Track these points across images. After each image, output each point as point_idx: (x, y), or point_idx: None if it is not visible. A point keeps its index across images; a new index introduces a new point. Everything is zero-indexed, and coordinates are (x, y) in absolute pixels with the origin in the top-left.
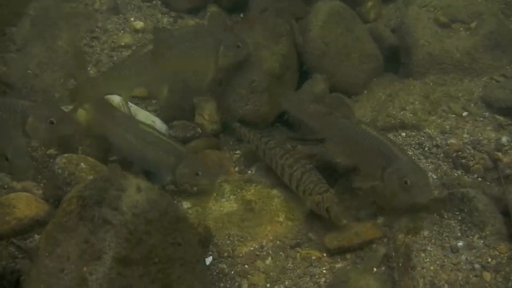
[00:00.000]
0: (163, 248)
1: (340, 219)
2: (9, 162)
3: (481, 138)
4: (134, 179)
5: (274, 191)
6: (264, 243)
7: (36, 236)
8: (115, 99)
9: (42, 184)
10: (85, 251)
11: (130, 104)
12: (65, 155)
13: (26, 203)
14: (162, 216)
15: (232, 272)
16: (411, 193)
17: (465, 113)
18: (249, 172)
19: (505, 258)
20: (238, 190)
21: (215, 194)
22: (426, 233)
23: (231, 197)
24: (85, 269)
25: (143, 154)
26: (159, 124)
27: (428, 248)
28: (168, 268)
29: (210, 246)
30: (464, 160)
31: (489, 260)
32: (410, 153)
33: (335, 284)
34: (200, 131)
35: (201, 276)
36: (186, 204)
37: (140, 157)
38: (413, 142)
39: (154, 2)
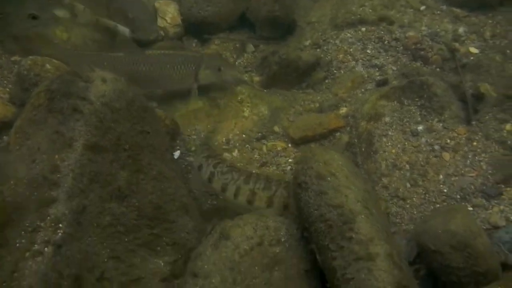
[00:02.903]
0: (132, 135)
1: None
2: None
3: (438, 30)
4: (99, 71)
5: (238, 88)
6: (230, 137)
7: (5, 138)
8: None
9: (8, 89)
10: (56, 141)
11: None
12: (31, 57)
13: None
14: (129, 105)
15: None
16: None
17: (423, 7)
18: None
19: (463, 139)
20: (203, 88)
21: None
22: (387, 119)
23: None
24: (56, 156)
25: (164, 76)
26: (121, 27)
27: (390, 133)
28: (137, 155)
29: (178, 140)
30: (422, 52)
31: (448, 141)
32: (370, 47)
33: (302, 160)
34: (163, 34)
35: (171, 163)
36: (153, 104)
37: (163, 80)
38: (373, 36)
39: None
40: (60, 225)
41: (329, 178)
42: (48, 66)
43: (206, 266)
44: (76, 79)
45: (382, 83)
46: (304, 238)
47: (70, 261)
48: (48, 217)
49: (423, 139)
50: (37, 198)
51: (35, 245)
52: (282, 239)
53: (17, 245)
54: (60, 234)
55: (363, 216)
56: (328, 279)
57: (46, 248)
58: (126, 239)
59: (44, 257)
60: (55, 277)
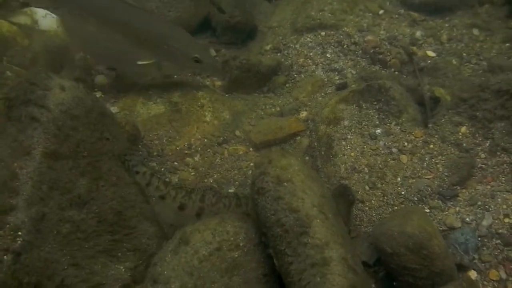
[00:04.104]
0: (91, 142)
1: None
2: None
3: (396, 34)
4: (58, 79)
5: (200, 93)
6: (192, 141)
7: None
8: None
9: None
10: (15, 149)
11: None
12: None
13: None
14: (88, 113)
15: (162, 169)
16: None
17: (381, 11)
18: (175, 76)
19: (420, 141)
20: (165, 93)
21: (141, 99)
22: (346, 123)
23: (158, 100)
24: (15, 164)
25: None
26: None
27: (349, 136)
28: (97, 162)
29: (140, 146)
30: (381, 56)
31: (406, 144)
32: (330, 51)
33: (259, 165)
34: None
35: None
36: (114, 109)
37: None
38: (332, 40)
39: None
40: (20, 232)
41: (285, 184)
42: (8, 73)
43: (165, 272)
44: (34, 87)
45: (342, 86)
46: (262, 243)
47: (29, 269)
48: (7, 225)
49: (381, 142)
50: None
51: None
52: (241, 244)
53: None
54: (19, 242)
55: (318, 221)
56: (286, 283)
57: (5, 256)
58: (86, 246)
59: (3, 265)
60: (14, 285)
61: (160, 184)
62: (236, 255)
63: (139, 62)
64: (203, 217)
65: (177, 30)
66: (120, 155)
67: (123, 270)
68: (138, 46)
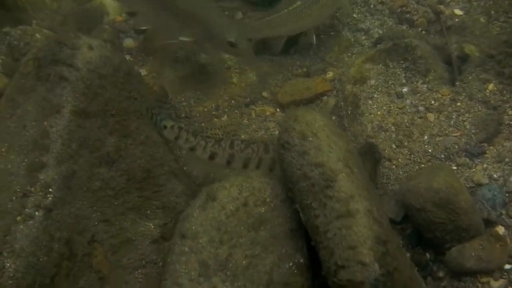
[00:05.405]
0: (119, 101)
1: None
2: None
3: None
4: (86, 38)
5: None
6: (219, 103)
7: None
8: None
9: (0, 60)
10: (44, 108)
11: None
12: (20, 27)
13: None
14: (116, 72)
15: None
16: None
17: None
18: None
19: (447, 99)
20: (192, 56)
21: (169, 61)
22: (372, 82)
23: (185, 62)
24: (45, 123)
25: None
26: None
27: (375, 95)
28: (125, 120)
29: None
30: (408, 15)
31: (432, 102)
32: (356, 11)
33: (284, 121)
34: None
35: None
36: (142, 72)
37: None
38: (359, 0)
39: None
40: (50, 189)
41: (310, 138)
42: (37, 35)
43: (193, 227)
44: (63, 46)
45: (380, 41)
46: (288, 199)
47: (60, 224)
48: (39, 182)
49: (408, 101)
50: (28, 163)
51: (26, 209)
52: (267, 200)
53: (9, 209)
54: (50, 198)
55: (343, 175)
56: (312, 236)
57: (37, 212)
58: (116, 203)
59: (35, 221)
60: (46, 240)
61: (189, 136)
62: (263, 210)
63: (181, 38)
64: (233, 164)
65: (216, 10)
66: (148, 109)
67: (153, 226)
68: (180, 23)
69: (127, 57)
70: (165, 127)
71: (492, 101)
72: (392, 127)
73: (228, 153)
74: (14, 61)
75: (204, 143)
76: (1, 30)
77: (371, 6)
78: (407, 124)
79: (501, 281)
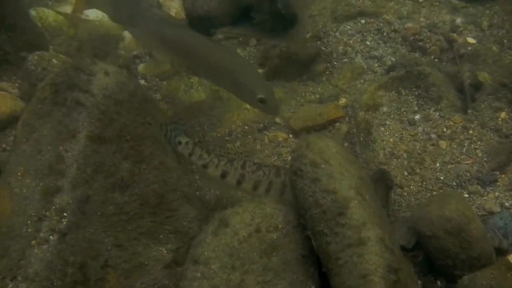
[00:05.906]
0: (134, 127)
1: None
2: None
3: (436, 21)
4: (102, 64)
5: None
6: (233, 128)
7: (13, 132)
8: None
9: (17, 84)
10: (60, 132)
11: None
12: (37, 52)
13: (2, 101)
14: (131, 97)
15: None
16: None
17: None
18: None
19: (460, 127)
20: (206, 81)
21: (183, 86)
22: (385, 109)
23: (199, 87)
24: (61, 148)
25: None
26: None
27: (387, 122)
28: (139, 146)
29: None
30: (421, 43)
31: (445, 129)
32: (369, 38)
33: (297, 148)
34: None
35: (172, 153)
36: (156, 97)
37: None
38: (372, 28)
39: None
40: (65, 213)
41: (323, 166)
42: (54, 61)
43: (206, 253)
44: (79, 72)
45: (392, 69)
46: (300, 225)
47: (75, 249)
48: (53, 206)
49: (420, 128)
50: (43, 188)
51: (41, 233)
52: (280, 226)
53: (23, 233)
54: (65, 222)
55: (356, 202)
56: (324, 263)
57: (51, 236)
58: (129, 228)
59: (49, 245)
60: (60, 264)
61: (203, 153)
62: (275, 237)
63: None
64: (243, 185)
65: (247, 65)
66: (163, 125)
67: (165, 251)
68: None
69: (142, 81)
70: (179, 142)
71: (504, 130)
72: (404, 154)
73: (239, 173)
74: (31, 86)
75: (217, 161)
76: (19, 55)
77: (384, 33)
78: (419, 151)
79: None
